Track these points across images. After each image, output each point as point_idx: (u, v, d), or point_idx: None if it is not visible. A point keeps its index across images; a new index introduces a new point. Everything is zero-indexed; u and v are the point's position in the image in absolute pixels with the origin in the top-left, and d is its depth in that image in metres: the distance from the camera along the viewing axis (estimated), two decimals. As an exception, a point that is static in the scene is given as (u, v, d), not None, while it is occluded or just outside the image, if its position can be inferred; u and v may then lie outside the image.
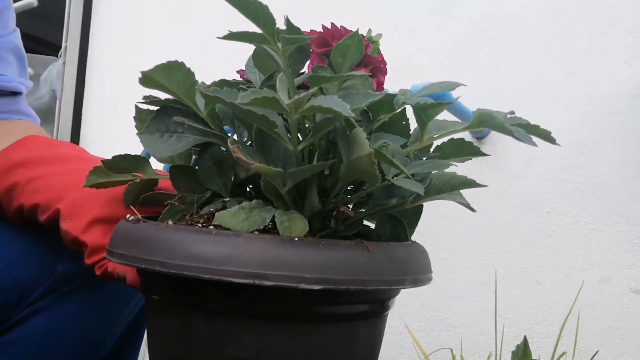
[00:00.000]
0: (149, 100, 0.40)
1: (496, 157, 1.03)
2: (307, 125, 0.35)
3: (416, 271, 0.35)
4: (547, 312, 0.95)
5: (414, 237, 0.40)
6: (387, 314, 0.38)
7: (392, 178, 0.35)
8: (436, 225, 1.08)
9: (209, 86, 0.36)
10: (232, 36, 0.33)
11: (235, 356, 0.32)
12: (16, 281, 0.52)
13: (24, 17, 2.14)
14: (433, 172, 0.37)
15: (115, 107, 1.67)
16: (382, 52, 0.44)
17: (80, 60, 1.79)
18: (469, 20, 1.09)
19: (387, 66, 0.44)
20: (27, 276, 0.52)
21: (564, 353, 0.77)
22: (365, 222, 0.41)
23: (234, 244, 0.29)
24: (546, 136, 0.36)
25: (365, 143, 0.31)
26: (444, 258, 1.06)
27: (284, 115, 0.34)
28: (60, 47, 1.77)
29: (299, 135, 0.36)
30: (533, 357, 0.61)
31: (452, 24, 1.11)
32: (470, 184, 0.36)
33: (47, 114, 1.81)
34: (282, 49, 0.33)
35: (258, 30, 0.33)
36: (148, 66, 0.34)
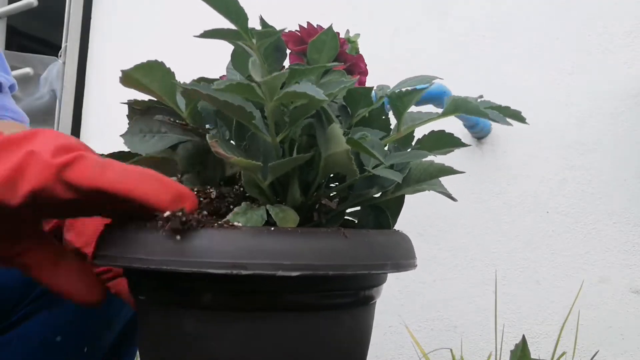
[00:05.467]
0: (134, 102, 0.40)
1: (496, 157, 1.03)
2: (286, 120, 0.35)
3: (397, 256, 0.34)
4: (547, 312, 0.95)
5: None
6: (374, 303, 0.38)
7: (372, 169, 0.35)
8: (436, 225, 1.08)
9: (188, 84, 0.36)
10: (208, 34, 0.33)
11: (222, 350, 0.32)
12: (17, 278, 0.52)
13: (24, 17, 2.15)
14: (412, 161, 0.37)
15: (115, 107, 1.67)
16: (361, 53, 0.44)
17: (80, 60, 1.79)
18: (469, 20, 1.09)
19: (367, 67, 0.44)
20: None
21: (564, 353, 0.77)
22: (351, 218, 0.41)
23: (211, 236, 0.30)
24: (517, 116, 0.37)
25: (341, 139, 0.31)
26: (444, 258, 1.06)
27: (263, 110, 0.34)
28: (60, 47, 1.78)
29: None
30: (533, 357, 0.61)
31: (452, 24, 1.11)
32: (448, 170, 0.36)
33: (47, 114, 1.81)
34: (256, 44, 0.33)
35: (233, 27, 0.33)
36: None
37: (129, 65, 0.33)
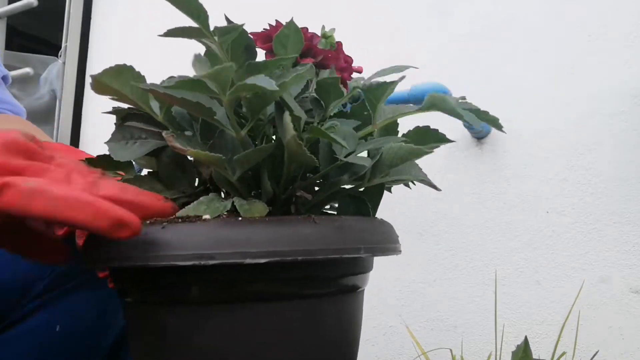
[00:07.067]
0: (115, 111, 0.40)
1: (496, 157, 1.03)
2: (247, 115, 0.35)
3: (372, 240, 0.34)
4: (547, 312, 0.95)
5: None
6: (361, 291, 0.38)
7: (345, 157, 0.35)
8: (436, 225, 1.08)
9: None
10: (172, 32, 0.33)
11: (204, 345, 0.32)
12: (20, 277, 0.52)
13: (24, 17, 2.15)
14: (384, 147, 0.36)
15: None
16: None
17: (80, 60, 1.79)
18: (469, 20, 1.09)
19: (348, 59, 0.43)
20: (29, 272, 0.53)
21: (564, 353, 0.77)
22: (332, 213, 0.41)
23: (179, 230, 0.31)
24: (495, 122, 0.36)
25: (290, 126, 0.31)
26: (444, 258, 1.06)
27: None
28: (60, 47, 1.77)
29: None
30: (533, 357, 0.61)
31: (452, 24, 1.11)
32: (418, 152, 0.35)
33: (47, 114, 1.81)
34: (219, 41, 0.33)
35: (196, 25, 0.33)
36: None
37: (129, 66, 0.33)
